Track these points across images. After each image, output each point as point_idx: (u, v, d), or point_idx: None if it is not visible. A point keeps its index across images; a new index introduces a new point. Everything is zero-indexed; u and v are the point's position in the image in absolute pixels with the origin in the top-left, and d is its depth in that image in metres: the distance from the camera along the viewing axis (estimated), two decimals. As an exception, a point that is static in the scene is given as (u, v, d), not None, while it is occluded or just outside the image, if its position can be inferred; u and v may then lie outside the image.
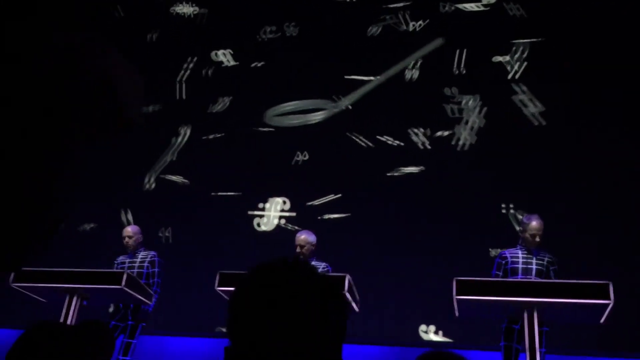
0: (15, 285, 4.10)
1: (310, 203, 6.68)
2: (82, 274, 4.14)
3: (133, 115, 0.67)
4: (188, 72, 7.83)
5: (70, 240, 6.59)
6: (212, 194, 6.97)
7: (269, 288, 0.99)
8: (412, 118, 6.78)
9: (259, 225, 6.72)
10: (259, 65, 7.59)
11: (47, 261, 3.62)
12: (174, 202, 7.04)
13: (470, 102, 6.70)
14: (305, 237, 4.93)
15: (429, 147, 6.62)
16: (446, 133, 6.63)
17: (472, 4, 7.11)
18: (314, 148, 6.94)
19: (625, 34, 6.42)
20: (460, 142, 6.54)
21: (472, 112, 6.63)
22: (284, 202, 6.76)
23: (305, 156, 6.87)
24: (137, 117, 0.68)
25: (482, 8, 7.05)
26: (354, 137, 6.91)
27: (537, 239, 4.32)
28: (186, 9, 8.21)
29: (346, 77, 7.17)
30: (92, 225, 7.07)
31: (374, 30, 7.32)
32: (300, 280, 1.00)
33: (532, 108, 6.49)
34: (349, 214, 6.54)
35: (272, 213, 6.74)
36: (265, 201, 6.83)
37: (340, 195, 6.64)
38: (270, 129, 7.21)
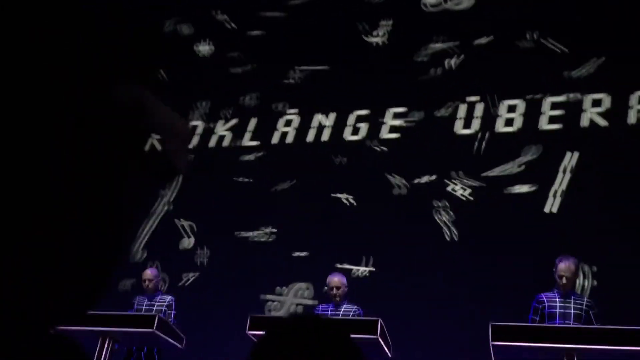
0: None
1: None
2: (114, 317, 4.24)
3: (181, 164, 0.71)
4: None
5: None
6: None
7: (289, 345, 1.02)
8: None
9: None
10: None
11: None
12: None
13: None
14: (339, 279, 4.98)
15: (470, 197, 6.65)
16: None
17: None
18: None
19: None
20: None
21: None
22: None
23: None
24: (185, 166, 0.73)
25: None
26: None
27: (564, 281, 4.31)
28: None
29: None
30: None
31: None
32: (321, 339, 1.03)
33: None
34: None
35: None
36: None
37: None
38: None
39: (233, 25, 8.35)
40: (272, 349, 1.04)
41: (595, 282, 5.85)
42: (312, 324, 1.07)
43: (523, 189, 6.49)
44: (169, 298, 5.40)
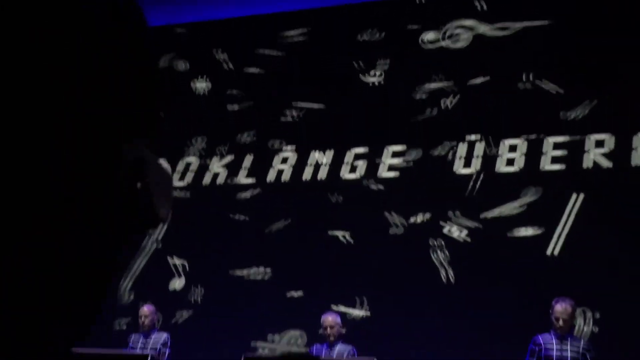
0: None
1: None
2: (107, 356, 4.23)
3: (163, 215, 0.71)
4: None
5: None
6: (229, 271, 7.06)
7: None
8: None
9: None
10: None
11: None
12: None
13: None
14: (333, 318, 5.03)
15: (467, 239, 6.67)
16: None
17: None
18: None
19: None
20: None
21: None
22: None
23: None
24: (166, 216, 0.72)
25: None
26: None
27: (561, 323, 4.36)
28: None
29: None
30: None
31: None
32: None
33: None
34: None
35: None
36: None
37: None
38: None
39: (230, 64, 8.51)
40: None
41: (596, 329, 5.78)
42: None
43: (528, 232, 6.49)
44: (164, 336, 5.42)
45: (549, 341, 4.44)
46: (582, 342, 4.47)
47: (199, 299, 7.19)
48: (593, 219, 6.27)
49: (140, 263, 7.50)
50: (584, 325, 5.76)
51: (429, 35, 7.72)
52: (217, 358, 6.27)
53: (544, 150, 6.81)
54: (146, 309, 5.55)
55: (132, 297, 7.27)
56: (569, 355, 4.34)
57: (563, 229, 6.37)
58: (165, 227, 7.63)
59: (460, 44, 7.61)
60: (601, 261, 5.99)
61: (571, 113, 6.89)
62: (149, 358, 4.24)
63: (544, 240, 6.38)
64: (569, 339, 4.44)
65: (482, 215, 6.67)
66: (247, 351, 4.58)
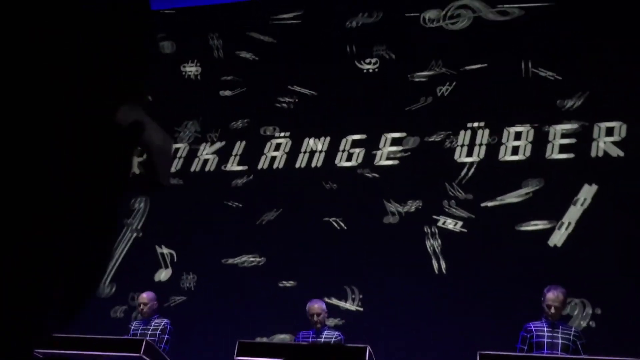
0: (36, 352, 4.30)
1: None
2: (101, 341, 4.34)
3: (164, 177, 0.77)
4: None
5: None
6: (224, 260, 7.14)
7: None
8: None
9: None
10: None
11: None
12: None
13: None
14: (319, 305, 5.21)
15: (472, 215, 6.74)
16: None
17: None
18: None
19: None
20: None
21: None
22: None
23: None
24: (167, 180, 0.77)
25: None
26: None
27: (552, 310, 4.53)
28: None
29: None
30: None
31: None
32: None
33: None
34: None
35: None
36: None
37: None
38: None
39: (221, 49, 8.54)
40: None
41: (593, 324, 5.84)
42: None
43: (530, 222, 6.49)
44: (164, 322, 5.54)
45: (540, 328, 4.61)
46: (572, 330, 4.65)
47: (192, 286, 7.27)
48: (600, 210, 6.31)
49: (121, 252, 7.52)
50: (581, 319, 5.84)
51: (430, 14, 7.75)
52: (211, 344, 6.40)
53: (550, 138, 6.85)
54: (145, 296, 5.65)
55: (113, 289, 7.31)
56: (559, 342, 4.51)
57: (568, 220, 6.41)
58: (147, 214, 7.67)
59: (462, 24, 7.61)
60: (606, 256, 6.02)
61: (577, 100, 6.89)
62: (144, 343, 4.34)
63: (547, 231, 6.43)
64: (560, 326, 4.61)
65: (483, 204, 6.74)
66: (242, 337, 4.67)
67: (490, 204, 6.71)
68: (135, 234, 7.68)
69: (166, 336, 5.41)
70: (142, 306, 5.56)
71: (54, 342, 4.24)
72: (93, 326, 5.22)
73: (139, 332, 5.39)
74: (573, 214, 6.41)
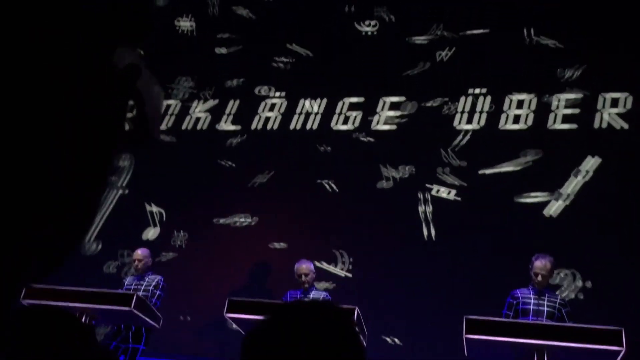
0: (25, 302, 4.35)
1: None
2: (92, 294, 4.41)
3: (154, 131, 0.78)
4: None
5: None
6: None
7: (285, 333, 1.02)
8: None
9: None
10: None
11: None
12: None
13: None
14: (307, 265, 5.29)
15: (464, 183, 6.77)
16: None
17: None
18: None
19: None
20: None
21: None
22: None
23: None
24: (157, 133, 0.79)
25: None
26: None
27: (539, 278, 4.64)
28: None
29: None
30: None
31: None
32: (317, 323, 1.03)
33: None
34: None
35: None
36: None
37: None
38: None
39: (217, 5, 8.42)
40: (272, 333, 1.04)
41: (581, 295, 5.94)
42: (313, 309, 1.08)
43: (528, 192, 6.52)
44: (157, 278, 5.67)
45: (527, 295, 4.71)
46: (558, 298, 4.76)
47: (183, 244, 7.33)
48: (602, 183, 6.33)
49: (106, 210, 7.54)
50: (570, 290, 5.94)
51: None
52: (203, 299, 6.50)
53: (552, 107, 6.85)
54: (140, 252, 5.78)
55: (99, 246, 7.35)
56: (545, 309, 4.62)
57: (567, 191, 6.44)
58: (131, 172, 7.67)
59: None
60: (604, 230, 6.04)
61: (580, 69, 6.89)
62: (135, 298, 4.40)
63: (543, 201, 6.46)
64: (546, 294, 4.72)
65: (481, 172, 6.77)
66: (231, 295, 4.76)
67: (487, 171, 6.76)
68: (120, 192, 7.69)
69: (158, 292, 5.53)
70: (136, 262, 5.69)
71: (45, 294, 4.31)
72: (84, 280, 5.31)
73: (132, 287, 5.54)
74: (573, 185, 6.47)
